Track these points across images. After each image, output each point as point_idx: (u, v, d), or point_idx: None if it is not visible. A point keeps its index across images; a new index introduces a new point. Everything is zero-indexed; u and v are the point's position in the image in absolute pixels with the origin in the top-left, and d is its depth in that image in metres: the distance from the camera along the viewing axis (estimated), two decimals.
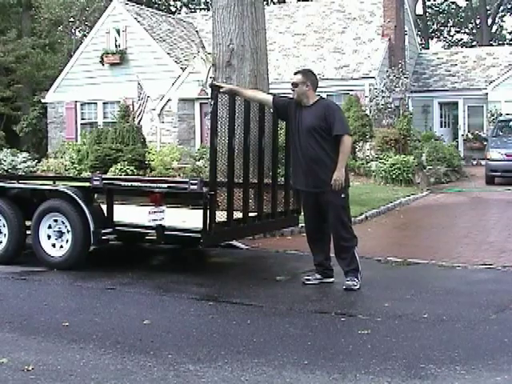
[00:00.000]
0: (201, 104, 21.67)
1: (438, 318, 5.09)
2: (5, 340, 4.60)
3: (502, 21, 48.04)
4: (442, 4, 48.71)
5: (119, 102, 22.10)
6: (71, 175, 17.06)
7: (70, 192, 6.97)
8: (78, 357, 4.20)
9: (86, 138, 20.55)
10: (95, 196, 7.31)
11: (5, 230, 7.31)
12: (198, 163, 16.88)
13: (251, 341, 4.53)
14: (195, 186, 6.50)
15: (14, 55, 27.88)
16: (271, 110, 6.81)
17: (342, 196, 6.04)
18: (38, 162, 20.47)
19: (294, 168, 6.40)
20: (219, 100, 6.33)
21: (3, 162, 19.23)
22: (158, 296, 5.91)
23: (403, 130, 19.19)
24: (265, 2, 14.09)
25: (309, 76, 6.28)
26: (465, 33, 49.75)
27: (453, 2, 48.42)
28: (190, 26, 27.02)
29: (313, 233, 6.33)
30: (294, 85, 6.21)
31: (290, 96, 6.37)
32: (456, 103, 25.34)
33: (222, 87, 6.52)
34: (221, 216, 6.46)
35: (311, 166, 6.07)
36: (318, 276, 6.32)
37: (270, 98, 6.57)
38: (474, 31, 47.84)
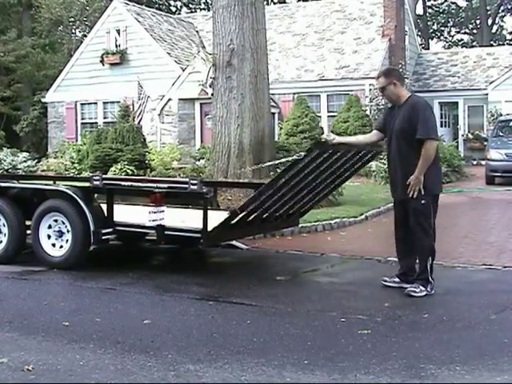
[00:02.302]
0: (201, 104, 21.66)
1: (438, 318, 5.09)
2: (5, 340, 4.60)
3: (503, 21, 48.05)
4: (442, 4, 48.71)
5: (119, 101, 22.10)
6: (71, 175, 17.06)
7: (70, 192, 6.96)
8: (78, 357, 4.20)
9: (86, 137, 20.55)
10: (95, 196, 7.31)
11: (5, 230, 7.31)
12: (198, 163, 16.87)
13: (251, 341, 4.53)
14: (195, 186, 6.50)
15: (15, 55, 27.90)
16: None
17: (422, 202, 5.65)
18: (38, 161, 20.47)
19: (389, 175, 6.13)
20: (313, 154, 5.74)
21: (3, 161, 19.20)
22: (158, 296, 5.91)
23: None
24: (265, 2, 14.08)
25: (392, 73, 5.92)
26: (465, 33, 49.75)
27: (453, 3, 48.43)
28: (191, 26, 27.02)
29: (400, 243, 6.03)
30: (381, 89, 5.87)
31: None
32: (456, 103, 25.34)
33: (328, 142, 5.81)
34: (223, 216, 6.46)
35: (396, 172, 5.79)
36: (397, 280, 6.07)
37: (375, 131, 6.10)
38: (475, 31, 47.86)
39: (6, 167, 18.96)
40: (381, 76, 5.93)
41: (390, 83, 5.80)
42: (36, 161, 20.36)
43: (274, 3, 38.76)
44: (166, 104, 22.28)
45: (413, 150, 5.60)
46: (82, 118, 24.49)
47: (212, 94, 12.59)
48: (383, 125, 6.02)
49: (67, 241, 6.93)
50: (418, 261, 5.94)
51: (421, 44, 36.59)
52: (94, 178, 7.28)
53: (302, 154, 5.78)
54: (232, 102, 12.02)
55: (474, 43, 44.84)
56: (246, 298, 5.79)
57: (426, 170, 5.59)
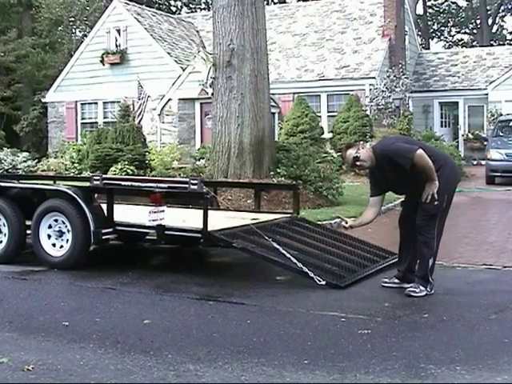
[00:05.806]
0: (201, 104, 21.66)
1: (438, 318, 5.09)
2: (5, 339, 4.60)
3: (503, 21, 48.06)
4: (442, 4, 48.70)
5: (119, 101, 22.09)
6: (71, 175, 17.06)
7: (70, 192, 6.96)
8: (77, 356, 4.20)
9: (86, 137, 20.55)
10: (95, 196, 7.31)
11: (5, 230, 7.30)
12: (198, 163, 16.85)
13: (251, 341, 4.52)
14: (195, 186, 6.51)
15: (15, 55, 27.89)
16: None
17: (435, 203, 5.66)
18: (38, 161, 20.46)
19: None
20: None
21: (3, 161, 19.21)
22: (158, 296, 5.91)
23: (403, 130, 19.20)
24: (265, 2, 14.08)
25: (353, 143, 6.13)
26: (465, 33, 49.75)
27: (453, 2, 48.43)
28: (191, 26, 27.03)
29: (404, 241, 6.18)
30: (356, 159, 5.85)
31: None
32: (456, 103, 25.35)
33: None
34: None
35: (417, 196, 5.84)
36: (397, 280, 6.13)
37: (375, 198, 6.12)
38: (475, 31, 47.85)
39: (6, 167, 18.97)
40: (347, 150, 5.97)
41: (358, 149, 5.87)
42: (36, 161, 20.36)
43: (274, 3, 38.74)
44: (166, 104, 22.28)
45: (413, 175, 5.65)
46: (82, 118, 24.49)
47: (212, 94, 12.60)
48: (379, 188, 6.08)
49: (67, 241, 6.93)
50: (418, 261, 5.93)
51: (421, 44, 36.59)
52: (94, 177, 7.30)
53: (323, 282, 5.99)
54: (232, 102, 12.03)
55: (474, 43, 44.84)
56: (246, 297, 5.79)
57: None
